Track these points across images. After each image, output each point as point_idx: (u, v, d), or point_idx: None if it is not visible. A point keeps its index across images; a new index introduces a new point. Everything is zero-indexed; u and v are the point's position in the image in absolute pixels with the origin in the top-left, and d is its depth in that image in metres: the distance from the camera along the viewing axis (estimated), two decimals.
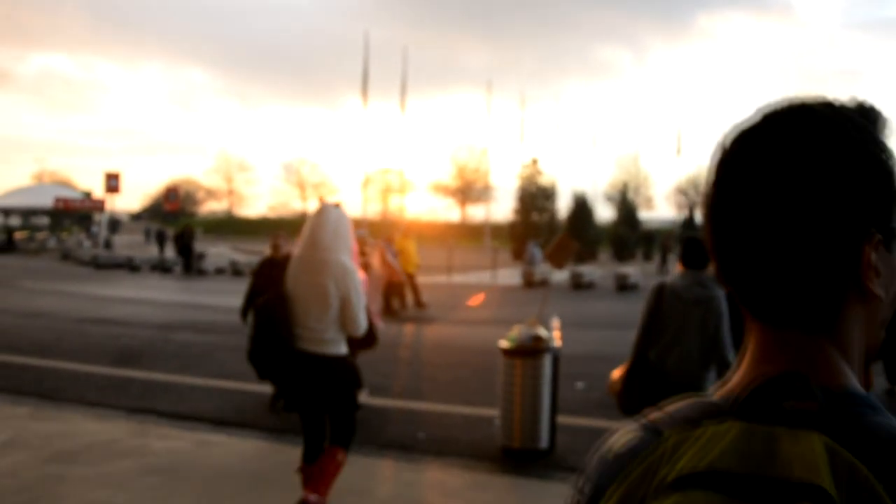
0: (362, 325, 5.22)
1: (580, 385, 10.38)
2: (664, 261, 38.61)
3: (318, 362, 5.16)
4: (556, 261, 8.02)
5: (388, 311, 18.95)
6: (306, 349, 5.14)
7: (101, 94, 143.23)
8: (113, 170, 43.25)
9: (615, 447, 0.95)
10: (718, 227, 0.93)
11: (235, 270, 31.92)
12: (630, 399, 5.37)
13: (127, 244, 50.39)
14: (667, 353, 5.35)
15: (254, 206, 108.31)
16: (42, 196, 51.67)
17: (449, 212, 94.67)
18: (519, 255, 48.81)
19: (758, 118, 0.93)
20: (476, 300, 22.82)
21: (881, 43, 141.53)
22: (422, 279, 30.30)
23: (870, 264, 0.88)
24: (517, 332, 7.29)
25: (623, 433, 0.96)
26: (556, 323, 7.58)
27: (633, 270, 28.88)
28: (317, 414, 5.40)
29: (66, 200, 50.59)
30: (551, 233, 55.27)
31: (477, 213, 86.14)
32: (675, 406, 0.94)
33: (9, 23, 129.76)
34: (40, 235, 51.15)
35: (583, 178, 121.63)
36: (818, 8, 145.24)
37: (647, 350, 5.41)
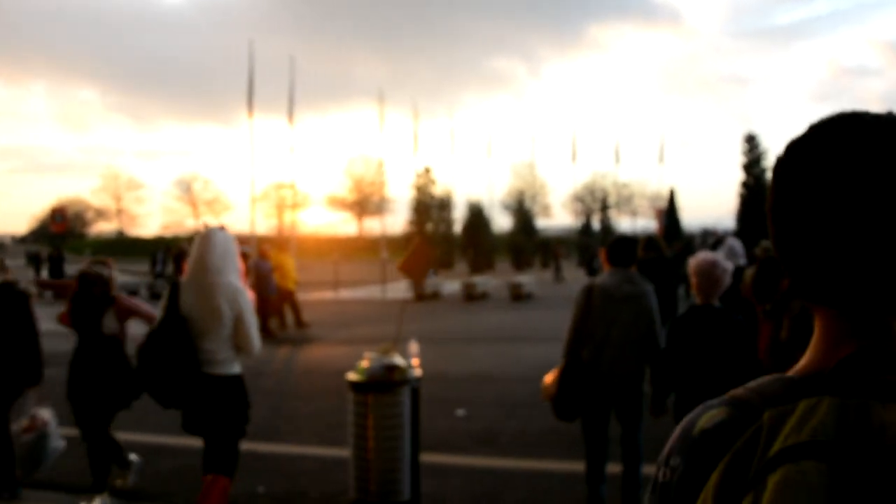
0: (256, 344, 5.29)
1: (461, 412, 9.15)
2: (558, 268, 37.84)
3: (214, 382, 5.19)
4: (413, 273, 6.84)
5: (266, 333, 17.49)
6: (204, 371, 5.16)
7: None
8: None
9: (700, 424, 0.96)
10: (782, 226, 0.98)
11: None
12: (566, 402, 5.49)
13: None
14: (600, 351, 5.47)
15: (146, 226, 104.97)
16: None
17: (346, 226, 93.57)
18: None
19: (810, 127, 0.99)
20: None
21: (767, 51, 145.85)
22: (308, 296, 29.09)
23: None
24: (368, 361, 5.96)
25: (706, 411, 0.98)
26: (413, 347, 6.28)
27: (528, 279, 27.85)
28: (218, 434, 5.31)
29: None
30: (447, 243, 54.54)
31: (375, 226, 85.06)
32: (760, 384, 0.97)
33: None
34: None
35: (479, 188, 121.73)
36: (705, 17, 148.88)
37: (579, 350, 5.47)
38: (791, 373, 0.98)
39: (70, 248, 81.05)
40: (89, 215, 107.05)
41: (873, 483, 0.80)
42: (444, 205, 56.02)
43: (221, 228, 5.45)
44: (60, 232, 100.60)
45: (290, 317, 19.07)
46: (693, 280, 5.18)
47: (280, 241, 20.16)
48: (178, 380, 5.13)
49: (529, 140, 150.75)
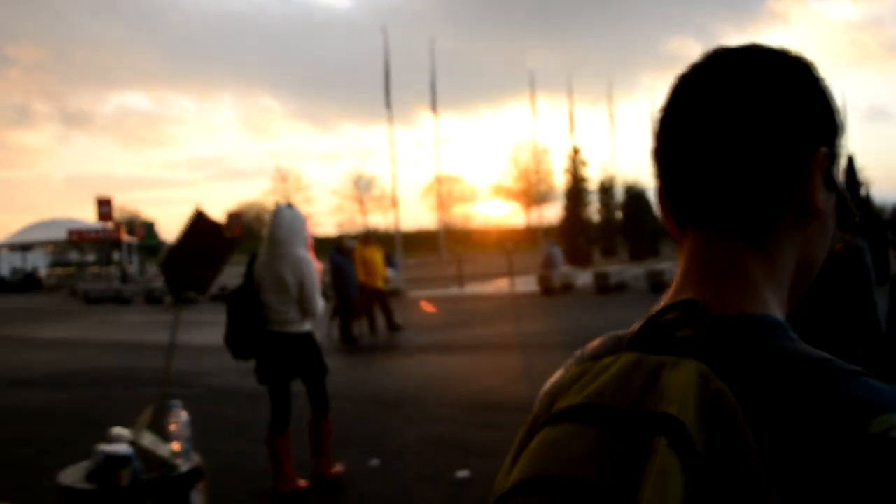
0: (318, 307, 6.03)
1: (462, 474, 6.30)
2: None
3: (285, 339, 6.00)
4: (186, 277, 4.43)
5: (347, 339, 15.17)
6: (274, 330, 5.97)
7: (177, 127, 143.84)
8: (106, 195, 40.14)
9: (546, 385, 0.93)
10: (667, 141, 0.92)
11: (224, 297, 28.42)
12: None
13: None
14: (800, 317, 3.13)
15: (323, 224, 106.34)
16: (56, 230, 49.42)
17: (516, 217, 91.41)
18: (574, 258, 44.65)
19: (708, 54, 0.94)
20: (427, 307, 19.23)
21: None
22: (429, 292, 26.93)
23: (817, 175, 0.87)
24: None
25: (559, 370, 0.96)
26: (174, 422, 3.59)
27: (671, 265, 24.08)
28: (285, 387, 6.09)
29: (79, 232, 48.19)
30: (608, 230, 50.96)
31: (547, 215, 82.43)
32: (594, 342, 0.94)
33: (88, 65, 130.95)
34: (92, 269, 49.54)
35: (646, 170, 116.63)
36: None
37: None
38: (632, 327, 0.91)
39: (244, 249, 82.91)
40: (267, 217, 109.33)
41: (636, 455, 0.71)
42: (606, 189, 52.40)
43: (289, 206, 6.13)
44: (238, 235, 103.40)
45: (380, 320, 16.66)
46: None
47: (367, 234, 17.28)
48: (245, 336, 5.95)
49: None
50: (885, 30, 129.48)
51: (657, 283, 21.97)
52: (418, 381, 10.63)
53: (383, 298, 16.70)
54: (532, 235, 71.02)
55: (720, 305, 0.85)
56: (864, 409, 0.73)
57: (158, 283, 33.02)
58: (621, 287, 23.38)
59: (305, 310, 5.99)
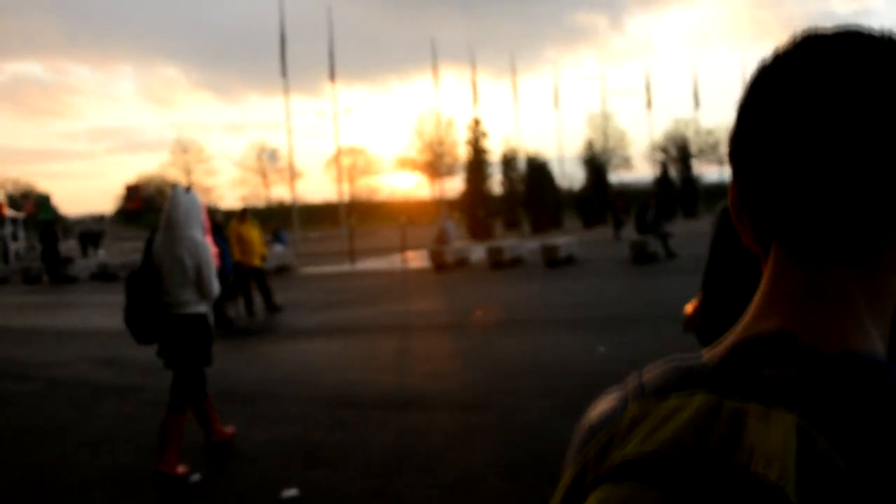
0: (214, 289, 6.13)
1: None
2: (617, 224, 33.36)
3: (181, 321, 6.07)
4: None
5: (222, 323, 14.12)
6: (171, 312, 6.05)
7: (75, 97, 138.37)
8: None
9: (592, 416, 0.82)
10: (750, 144, 0.78)
11: (106, 275, 26.96)
12: (711, 332, 4.82)
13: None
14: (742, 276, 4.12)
15: (225, 198, 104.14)
16: None
17: (421, 190, 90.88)
18: (475, 231, 44.00)
19: (799, 39, 0.78)
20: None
21: None
22: (320, 268, 25.99)
23: None
24: None
25: (605, 399, 0.84)
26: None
27: (566, 240, 23.50)
28: (192, 362, 6.22)
29: None
30: (511, 203, 50.49)
31: (452, 187, 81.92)
32: (655, 371, 0.79)
33: None
34: None
35: (554, 144, 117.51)
36: None
37: (719, 275, 4.74)
38: (708, 352, 0.79)
39: (146, 223, 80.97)
40: (169, 191, 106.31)
41: None
42: (508, 162, 51.97)
43: (187, 189, 6.23)
44: (136, 208, 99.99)
45: (258, 299, 15.71)
46: None
47: (243, 210, 16.16)
48: (145, 318, 6.01)
49: (608, 92, 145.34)
50: (784, 7, 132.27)
51: (552, 259, 21.40)
52: (282, 371, 9.74)
53: (261, 277, 15.69)
54: (437, 208, 70.48)
55: (816, 338, 0.73)
56: None
57: (36, 261, 31.32)
58: (516, 262, 22.72)
59: (203, 293, 6.11)
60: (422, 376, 8.90)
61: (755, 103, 0.78)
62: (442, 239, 22.82)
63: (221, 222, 15.71)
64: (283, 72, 43.44)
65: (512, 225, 49.52)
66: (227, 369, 9.86)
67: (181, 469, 5.97)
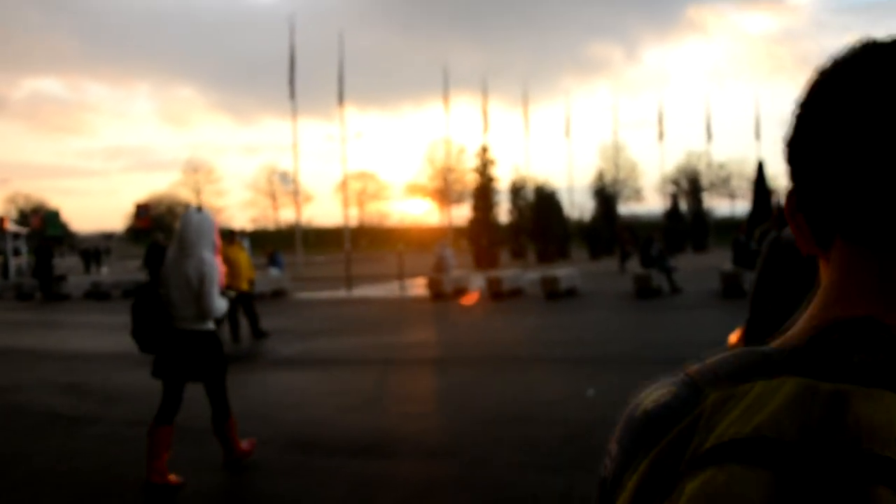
0: (215, 307, 6.19)
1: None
2: (624, 256, 32.64)
3: (187, 336, 6.21)
4: None
5: None
6: (178, 326, 6.21)
7: (92, 115, 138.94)
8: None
9: (645, 403, 0.78)
10: (816, 145, 0.79)
11: (99, 293, 26.44)
12: None
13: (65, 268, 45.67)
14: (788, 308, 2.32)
15: (236, 219, 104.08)
16: None
17: (432, 216, 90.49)
18: (480, 260, 43.29)
19: (858, 47, 0.82)
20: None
21: (872, 24, 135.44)
22: (315, 294, 25.36)
23: None
24: None
25: (657, 387, 0.80)
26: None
27: (568, 271, 22.81)
28: (179, 383, 6.30)
29: None
30: (516, 233, 49.82)
31: (462, 214, 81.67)
32: (721, 358, 0.77)
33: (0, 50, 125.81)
34: None
35: (566, 175, 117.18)
36: None
37: (765, 308, 4.39)
38: (775, 343, 0.78)
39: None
40: (179, 210, 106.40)
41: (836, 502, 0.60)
42: (517, 191, 51.43)
43: (199, 210, 6.41)
44: (145, 227, 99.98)
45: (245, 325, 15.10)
46: None
47: (232, 232, 15.56)
48: (151, 331, 6.21)
49: (621, 123, 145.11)
50: (800, 43, 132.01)
51: (553, 291, 20.73)
52: (247, 405, 9.09)
53: (248, 302, 15.09)
54: (446, 235, 69.93)
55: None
56: None
57: (28, 278, 30.82)
58: (516, 293, 22.07)
59: (201, 307, 6.15)
60: (392, 417, 8.27)
61: (818, 106, 0.79)
62: (440, 267, 22.19)
63: (164, 243, 15.20)
64: (292, 95, 43.15)
65: (518, 254, 48.87)
66: (191, 399, 9.25)
67: (173, 478, 6.10)
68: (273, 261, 25.76)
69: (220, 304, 6.26)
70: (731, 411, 0.67)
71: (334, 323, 17.51)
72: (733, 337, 5.35)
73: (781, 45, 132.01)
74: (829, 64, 0.81)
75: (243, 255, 15.01)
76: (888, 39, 0.80)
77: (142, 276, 27.15)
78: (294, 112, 43.47)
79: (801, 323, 0.79)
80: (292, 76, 42.40)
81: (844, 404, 0.63)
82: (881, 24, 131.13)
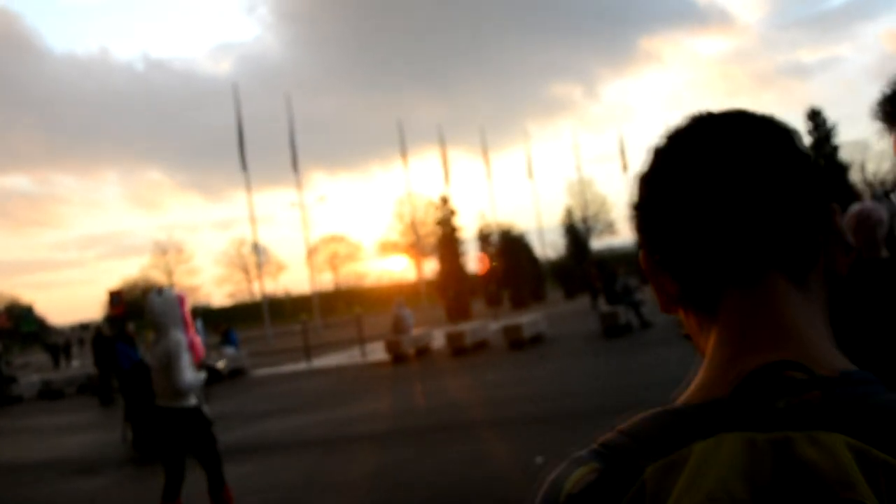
0: (180, 382, 6.18)
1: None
2: (594, 294, 31.63)
3: (169, 413, 6.30)
4: None
5: (139, 443, 12.53)
6: (159, 405, 6.35)
7: (63, 207, 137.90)
8: None
9: (566, 487, 0.75)
10: (677, 204, 0.84)
11: (51, 392, 25.18)
12: None
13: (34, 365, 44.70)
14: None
15: (215, 295, 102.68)
16: None
17: (410, 272, 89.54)
18: (451, 312, 42.18)
19: (693, 120, 0.90)
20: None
21: (822, 37, 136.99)
22: (274, 369, 24.22)
23: (837, 225, 0.86)
24: None
25: (571, 466, 0.77)
26: None
27: (532, 317, 21.85)
28: (174, 458, 6.42)
29: None
30: (489, 280, 48.87)
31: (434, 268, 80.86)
32: (635, 424, 0.77)
33: None
34: None
35: (532, 216, 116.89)
36: (755, 14, 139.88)
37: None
38: (680, 400, 0.79)
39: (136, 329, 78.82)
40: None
41: None
42: (485, 237, 50.68)
43: (159, 291, 6.50)
44: (120, 314, 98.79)
45: None
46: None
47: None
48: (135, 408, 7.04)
49: (587, 159, 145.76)
50: (753, 62, 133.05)
51: (517, 340, 19.77)
52: None
53: None
54: (422, 290, 69.01)
55: (808, 363, 0.74)
56: None
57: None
58: (481, 346, 21.08)
59: (171, 383, 6.23)
60: None
61: (655, 176, 0.87)
62: (398, 328, 21.17)
63: (134, 333, 14.26)
64: (244, 166, 42.44)
65: (493, 302, 47.91)
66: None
67: None
68: (226, 339, 24.67)
69: (191, 378, 6.31)
70: (677, 481, 0.64)
71: (285, 401, 16.45)
72: None
73: (735, 66, 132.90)
74: (666, 136, 0.88)
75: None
76: (719, 112, 0.88)
77: (93, 371, 26.02)
78: (248, 183, 42.81)
79: (706, 376, 0.79)
80: (242, 147, 41.75)
81: (789, 452, 0.63)
82: (828, 36, 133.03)
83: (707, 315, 0.83)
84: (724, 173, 0.81)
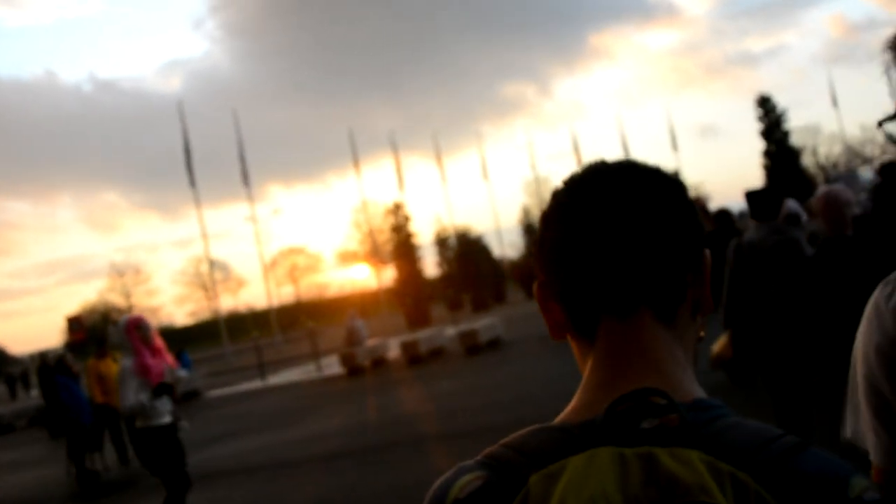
0: (123, 404, 6.61)
1: None
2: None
3: (136, 433, 6.88)
4: None
5: (82, 476, 12.10)
6: (137, 425, 6.76)
7: (18, 234, 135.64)
8: None
9: (452, 493, 0.83)
10: (582, 244, 0.93)
11: (0, 427, 24.39)
12: (742, 366, 5.65)
13: None
14: (765, 305, 5.28)
15: (174, 316, 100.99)
16: None
17: (372, 280, 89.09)
18: (411, 319, 41.69)
19: (592, 168, 1.00)
20: None
21: (769, 25, 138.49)
22: (229, 388, 23.71)
23: (707, 268, 0.96)
24: None
25: (459, 475, 0.86)
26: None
27: (489, 321, 21.57)
28: (170, 472, 6.74)
29: None
30: (448, 285, 48.55)
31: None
32: (518, 439, 0.87)
33: None
34: None
35: (489, 217, 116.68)
36: (702, 5, 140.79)
37: (739, 309, 5.36)
38: (559, 419, 0.89)
39: (89, 354, 77.21)
40: (115, 316, 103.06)
41: None
42: (442, 241, 50.40)
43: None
44: (81, 340, 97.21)
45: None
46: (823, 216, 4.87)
47: (104, 343, 13.96)
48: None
49: (543, 157, 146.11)
50: (703, 53, 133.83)
51: (473, 346, 19.41)
52: None
53: (132, 420, 13.48)
54: (386, 297, 68.57)
55: (668, 389, 0.85)
56: (836, 481, 0.78)
57: None
58: (437, 353, 20.70)
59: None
60: None
61: (560, 216, 0.96)
62: (352, 340, 20.74)
63: (71, 366, 13.68)
64: (192, 182, 41.68)
65: (456, 306, 47.55)
66: None
67: None
68: (181, 361, 24.10)
69: (129, 399, 6.50)
70: (557, 487, 0.73)
71: (235, 423, 15.96)
72: (716, 346, 5.60)
73: (685, 58, 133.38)
74: (562, 182, 0.99)
75: (115, 368, 13.45)
76: (612, 163, 0.99)
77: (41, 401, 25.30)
78: (197, 200, 42.02)
79: (582, 397, 0.89)
80: (189, 164, 41.01)
81: (654, 464, 0.74)
82: (774, 23, 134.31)
83: (587, 342, 0.93)
84: (605, 217, 0.91)
